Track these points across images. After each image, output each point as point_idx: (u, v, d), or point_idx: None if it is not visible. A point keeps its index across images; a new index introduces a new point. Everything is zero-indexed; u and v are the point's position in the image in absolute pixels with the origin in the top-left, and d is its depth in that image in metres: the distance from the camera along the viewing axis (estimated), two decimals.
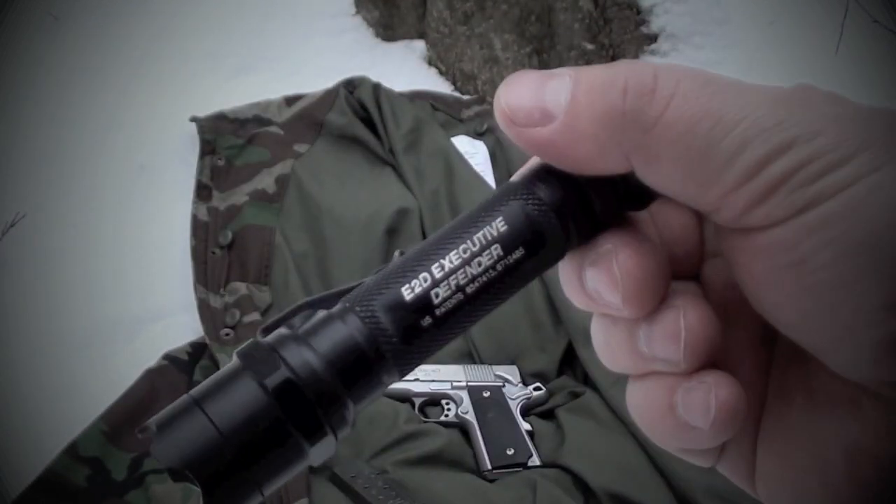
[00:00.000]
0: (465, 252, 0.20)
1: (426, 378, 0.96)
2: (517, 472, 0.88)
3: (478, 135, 1.29)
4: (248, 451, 0.18)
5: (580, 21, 1.47)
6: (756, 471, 0.22)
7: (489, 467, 0.88)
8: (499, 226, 0.20)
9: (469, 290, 0.20)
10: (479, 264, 0.20)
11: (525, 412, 0.95)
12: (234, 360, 0.19)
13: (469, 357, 1.01)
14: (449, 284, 0.20)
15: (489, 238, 0.20)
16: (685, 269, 0.22)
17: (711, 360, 0.20)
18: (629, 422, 0.89)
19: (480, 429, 0.92)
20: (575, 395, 0.95)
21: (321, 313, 0.20)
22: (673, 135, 0.18)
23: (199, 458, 0.18)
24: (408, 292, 0.20)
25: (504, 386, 0.96)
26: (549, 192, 0.20)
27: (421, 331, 0.20)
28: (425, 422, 0.93)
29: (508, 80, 0.20)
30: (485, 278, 0.20)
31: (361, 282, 0.21)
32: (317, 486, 0.84)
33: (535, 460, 0.89)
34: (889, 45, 1.31)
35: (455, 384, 0.96)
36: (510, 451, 0.89)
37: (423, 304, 0.20)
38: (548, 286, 1.01)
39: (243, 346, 0.20)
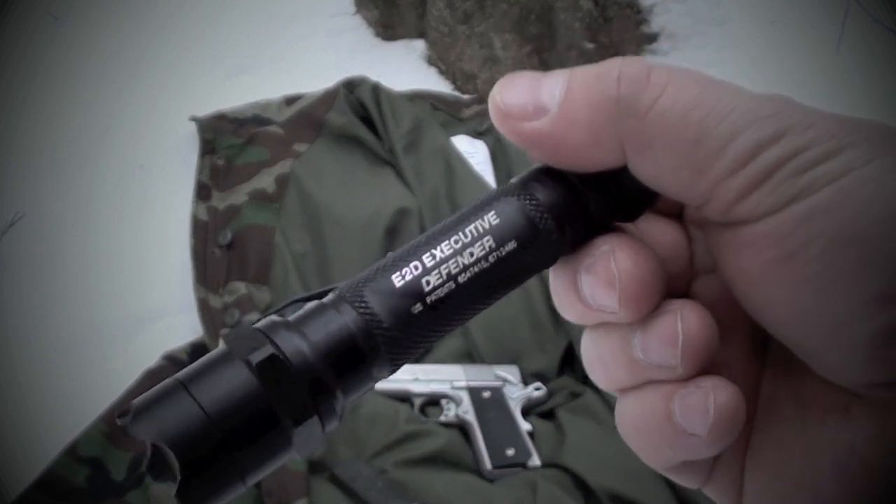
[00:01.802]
0: (456, 243, 0.20)
1: (426, 378, 0.96)
2: (517, 472, 0.88)
3: (478, 134, 1.29)
4: (232, 434, 0.17)
5: (580, 20, 1.47)
6: (744, 490, 0.21)
7: (489, 467, 0.88)
8: (491, 219, 0.20)
9: (461, 279, 0.20)
10: (471, 255, 0.20)
11: (525, 412, 0.95)
12: (221, 344, 0.19)
13: (469, 357, 1.01)
14: (440, 273, 0.20)
15: (481, 230, 0.20)
16: (675, 287, 0.22)
17: (708, 367, 0.20)
18: None
19: (480, 429, 0.92)
20: (575, 395, 0.95)
21: (312, 303, 0.20)
22: (667, 121, 0.18)
23: (181, 436, 0.17)
24: (398, 279, 0.20)
25: (504, 386, 0.96)
26: (545, 192, 0.20)
27: (411, 317, 0.19)
28: (425, 422, 0.93)
29: (504, 79, 0.21)
30: (476, 269, 0.20)
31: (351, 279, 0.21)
32: (317, 486, 0.84)
33: (535, 460, 0.89)
34: (889, 44, 1.31)
35: (455, 384, 0.96)
36: (510, 452, 0.89)
37: (414, 290, 0.19)
38: (548, 286, 1.01)
39: (231, 330, 0.19)
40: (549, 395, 0.97)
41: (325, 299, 0.20)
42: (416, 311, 0.19)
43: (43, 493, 0.85)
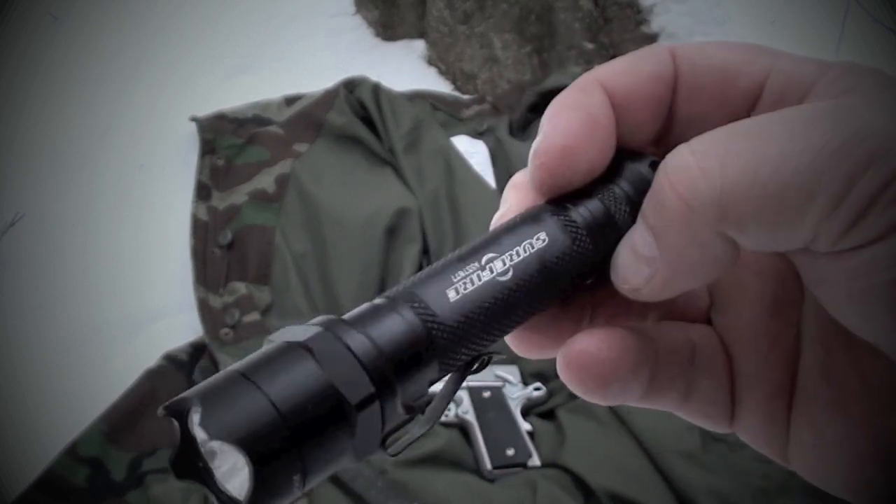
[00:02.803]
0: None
1: None
2: (517, 472, 0.88)
3: (478, 134, 1.29)
4: (302, 432, 0.16)
5: (580, 20, 1.47)
6: (794, 447, 0.21)
7: (489, 467, 0.88)
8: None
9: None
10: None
11: (525, 412, 0.95)
12: (280, 342, 0.18)
13: None
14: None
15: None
16: (696, 314, 0.23)
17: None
18: (630, 422, 0.89)
19: (480, 429, 0.92)
20: (575, 395, 0.95)
21: (365, 304, 0.19)
22: (743, 193, 0.17)
23: (254, 434, 0.16)
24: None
25: (504, 386, 0.96)
26: (581, 215, 0.21)
27: (467, 321, 0.20)
28: None
29: (617, 270, 0.21)
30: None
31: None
32: (317, 487, 0.84)
33: (535, 460, 0.89)
34: (889, 44, 1.31)
35: None
36: (510, 451, 0.89)
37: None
38: None
39: (286, 329, 0.18)
40: (549, 395, 0.97)
41: (377, 301, 0.20)
42: (471, 315, 0.19)
43: (43, 493, 0.85)
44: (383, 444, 0.18)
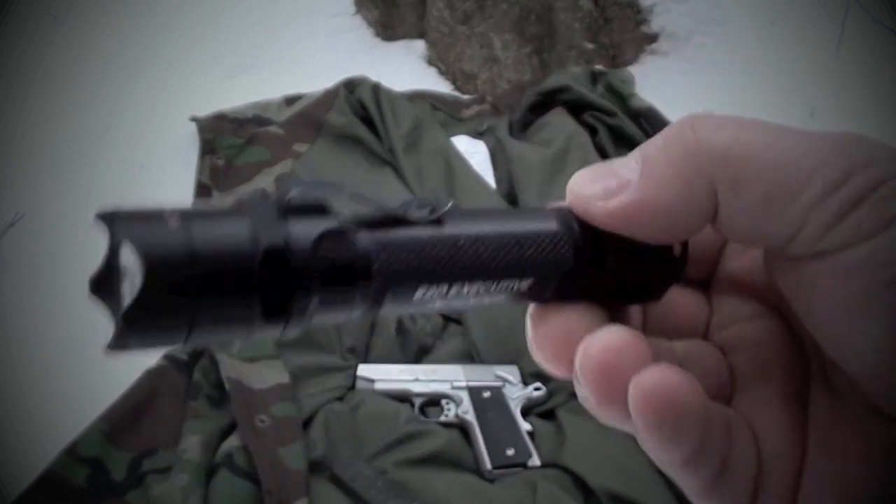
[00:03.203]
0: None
1: (426, 378, 0.96)
2: (517, 472, 0.88)
3: (478, 134, 1.29)
4: (206, 279, 0.16)
5: (580, 20, 1.47)
6: None
7: (489, 467, 0.88)
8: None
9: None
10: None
11: (525, 412, 0.95)
12: (235, 202, 0.18)
13: (469, 357, 1.01)
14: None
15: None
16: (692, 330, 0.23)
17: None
18: None
19: (480, 429, 0.92)
20: (575, 395, 0.95)
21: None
22: (752, 154, 0.18)
23: (161, 254, 0.16)
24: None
25: (504, 386, 0.96)
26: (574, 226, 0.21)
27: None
28: (425, 422, 0.93)
29: (575, 175, 0.20)
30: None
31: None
32: (317, 487, 0.84)
33: (535, 460, 0.89)
34: (889, 44, 1.31)
35: (455, 384, 0.96)
36: (510, 451, 0.89)
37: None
38: None
39: (249, 196, 0.18)
40: (549, 395, 0.97)
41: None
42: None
43: (43, 493, 0.85)
44: (285, 321, 0.18)
